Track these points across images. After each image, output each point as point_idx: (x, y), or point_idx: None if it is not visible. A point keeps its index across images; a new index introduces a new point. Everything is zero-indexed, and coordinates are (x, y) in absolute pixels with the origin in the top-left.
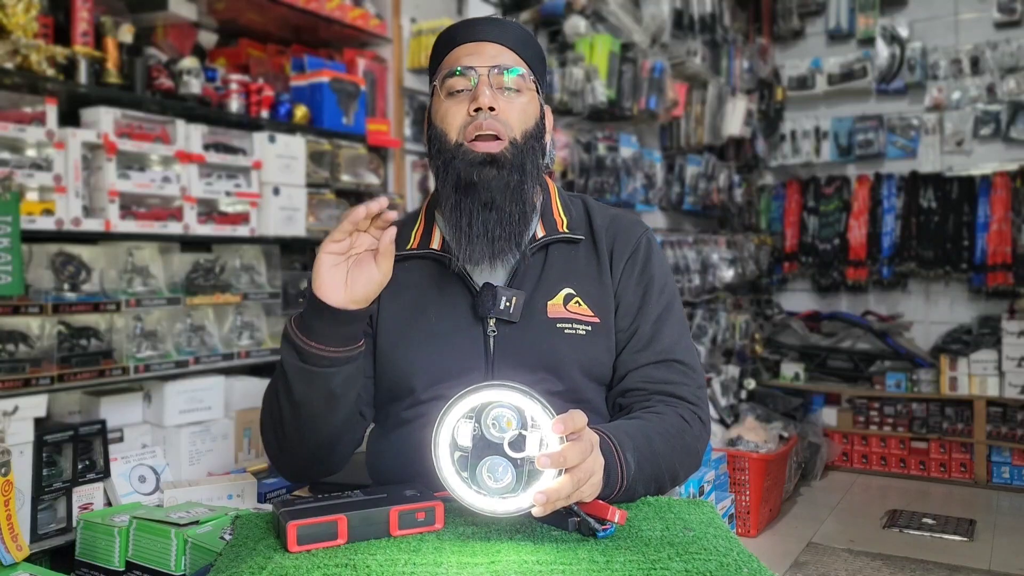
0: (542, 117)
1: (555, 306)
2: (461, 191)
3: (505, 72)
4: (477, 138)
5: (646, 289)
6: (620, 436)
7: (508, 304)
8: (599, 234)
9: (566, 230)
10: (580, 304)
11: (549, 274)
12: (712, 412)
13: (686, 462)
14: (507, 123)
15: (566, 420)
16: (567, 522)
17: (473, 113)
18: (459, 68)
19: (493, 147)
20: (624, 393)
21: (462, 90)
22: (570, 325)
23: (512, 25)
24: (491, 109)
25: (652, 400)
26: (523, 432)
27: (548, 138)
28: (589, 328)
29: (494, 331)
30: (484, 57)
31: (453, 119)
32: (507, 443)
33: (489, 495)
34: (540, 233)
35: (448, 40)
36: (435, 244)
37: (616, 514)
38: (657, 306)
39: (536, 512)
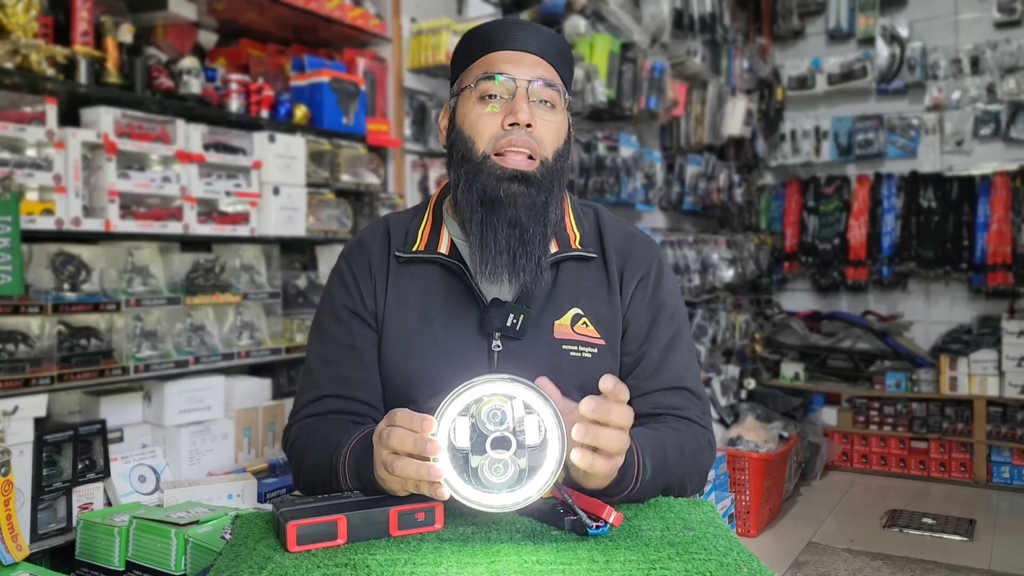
0: (570, 134)
1: (562, 326)
2: (487, 207)
3: (544, 86)
4: (507, 152)
5: (656, 314)
6: (641, 440)
7: (515, 321)
8: (610, 252)
9: (579, 246)
10: (587, 325)
11: (559, 292)
12: (712, 412)
13: (694, 479)
14: (541, 141)
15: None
16: (563, 520)
17: (508, 127)
18: (499, 74)
19: (524, 165)
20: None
21: (495, 96)
22: (576, 347)
23: (550, 35)
24: (528, 126)
25: (665, 418)
26: (507, 435)
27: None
28: (595, 351)
29: (499, 346)
30: (524, 68)
31: (484, 128)
32: (497, 437)
33: (495, 491)
34: (553, 248)
35: (484, 41)
36: (443, 248)
37: (612, 515)
38: (666, 332)
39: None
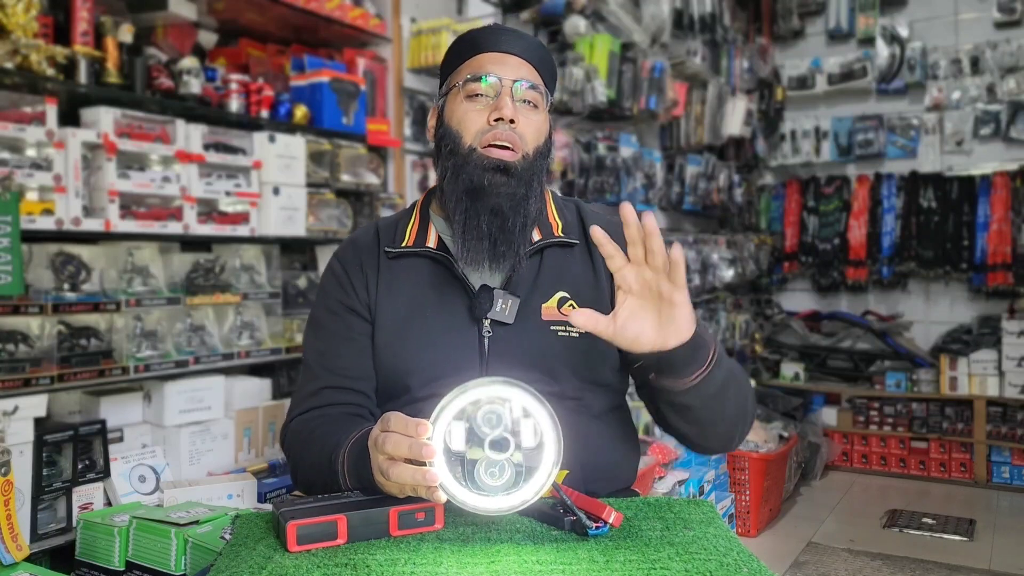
0: (551, 135)
1: (549, 309)
2: (471, 195)
3: (528, 87)
4: (492, 145)
5: None
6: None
7: (504, 307)
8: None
9: (561, 234)
10: (574, 308)
11: (544, 278)
12: None
13: (748, 408)
14: (523, 136)
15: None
16: (563, 521)
17: (493, 122)
18: (485, 74)
19: (507, 156)
20: None
21: (482, 95)
22: (564, 328)
23: (535, 42)
24: (511, 121)
25: None
26: (503, 437)
27: (552, 155)
28: (583, 330)
29: (489, 332)
30: (509, 69)
31: (471, 123)
32: (493, 440)
33: (492, 494)
34: (536, 237)
35: (471, 44)
36: (431, 243)
37: (612, 515)
38: None
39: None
